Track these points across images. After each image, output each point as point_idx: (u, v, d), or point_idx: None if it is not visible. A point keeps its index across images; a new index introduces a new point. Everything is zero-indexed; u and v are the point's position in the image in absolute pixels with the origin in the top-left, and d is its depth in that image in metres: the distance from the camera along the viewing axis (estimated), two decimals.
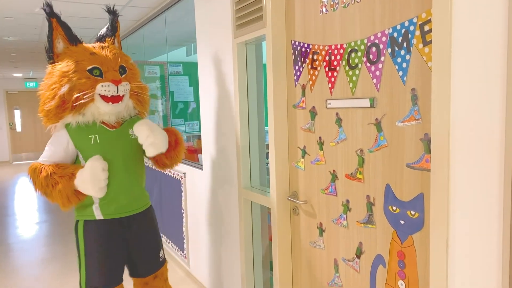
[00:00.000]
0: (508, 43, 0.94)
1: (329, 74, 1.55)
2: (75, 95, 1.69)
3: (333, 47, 1.52)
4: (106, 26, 1.99)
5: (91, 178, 1.69)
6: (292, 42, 1.74)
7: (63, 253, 3.93)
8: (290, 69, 1.77)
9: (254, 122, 2.14)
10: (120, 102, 1.77)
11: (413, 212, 1.26)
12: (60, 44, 1.81)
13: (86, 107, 1.73)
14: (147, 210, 1.97)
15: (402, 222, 1.30)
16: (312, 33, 1.62)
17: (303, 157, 1.75)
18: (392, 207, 1.33)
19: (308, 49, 1.65)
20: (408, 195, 1.27)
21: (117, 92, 1.75)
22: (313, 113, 1.66)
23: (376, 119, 1.35)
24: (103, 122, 1.80)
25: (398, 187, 1.30)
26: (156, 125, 1.85)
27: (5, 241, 4.40)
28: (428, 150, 1.18)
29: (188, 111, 4.53)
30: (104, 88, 1.72)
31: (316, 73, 1.61)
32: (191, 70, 4.31)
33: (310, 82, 1.65)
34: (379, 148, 1.36)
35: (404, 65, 1.24)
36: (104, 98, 1.74)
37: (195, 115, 4.43)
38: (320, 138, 1.63)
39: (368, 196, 1.42)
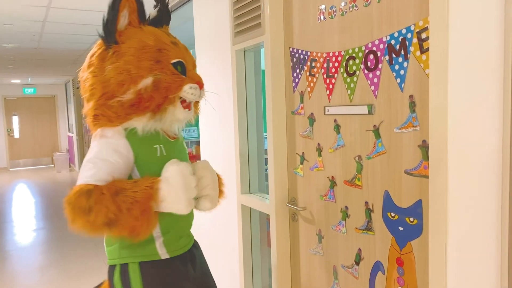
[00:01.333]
0: (505, 50, 0.95)
1: (327, 81, 1.55)
2: (166, 94, 1.23)
3: (331, 54, 1.53)
4: (157, 8, 1.39)
5: (184, 187, 1.19)
6: (291, 49, 1.75)
7: (60, 260, 3.91)
8: (288, 75, 1.78)
9: (252, 128, 2.15)
10: (191, 109, 1.34)
11: (411, 219, 1.26)
12: (125, 20, 1.26)
13: (166, 111, 1.26)
14: (196, 244, 1.49)
15: (400, 228, 1.30)
16: (310, 40, 1.63)
17: (301, 163, 1.75)
18: (391, 214, 1.33)
19: (306, 56, 1.66)
20: (407, 202, 1.27)
21: (199, 97, 1.34)
22: (312, 120, 1.66)
23: (374, 125, 1.36)
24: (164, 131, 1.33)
25: (396, 194, 1.30)
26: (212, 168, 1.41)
27: (2, 248, 4.37)
28: (426, 157, 1.19)
29: None
30: (192, 91, 1.28)
31: (315, 80, 1.62)
32: None
33: (309, 89, 1.66)
34: (378, 155, 1.36)
35: (402, 72, 1.24)
36: (183, 102, 1.29)
37: (194, 121, 4.43)
38: (318, 144, 1.64)
39: (366, 203, 1.42)
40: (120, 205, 1.11)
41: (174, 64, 1.26)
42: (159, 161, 1.25)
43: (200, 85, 1.31)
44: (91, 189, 1.12)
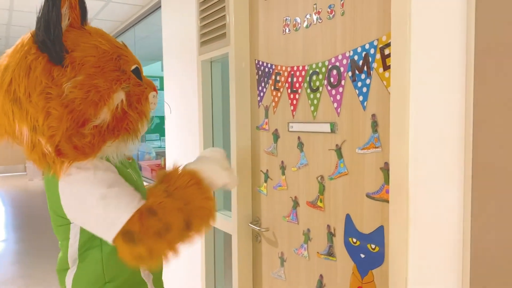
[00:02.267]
0: (467, 67, 0.89)
1: (291, 96, 1.48)
2: (139, 109, 1.03)
3: (295, 68, 1.45)
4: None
5: (221, 166, 1.08)
6: (256, 61, 1.67)
7: (29, 273, 3.71)
8: (254, 89, 1.70)
9: (219, 142, 2.05)
10: None
11: (373, 246, 1.18)
12: (65, 20, 0.96)
13: (139, 128, 1.06)
14: None
15: (362, 255, 1.21)
16: (276, 53, 1.56)
17: (265, 181, 1.66)
18: (352, 239, 1.25)
19: (271, 70, 1.58)
20: (369, 227, 1.19)
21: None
22: (276, 136, 1.58)
23: (337, 145, 1.28)
24: None
25: (358, 218, 1.22)
26: None
27: None
28: (388, 180, 1.11)
29: (164, 126, 4.41)
30: (155, 100, 1.11)
31: (279, 94, 1.54)
32: None
33: (273, 104, 1.58)
34: (340, 176, 1.28)
35: (365, 89, 1.17)
36: None
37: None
38: (282, 162, 1.55)
39: (328, 226, 1.34)
40: (184, 198, 0.95)
41: (133, 71, 1.05)
42: (136, 187, 1.03)
43: (156, 91, 1.13)
44: (148, 208, 0.91)
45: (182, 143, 2.37)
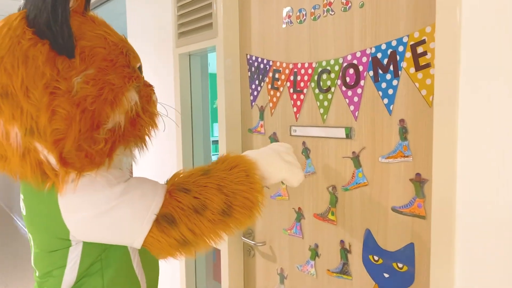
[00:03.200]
0: None
1: (294, 96, 1.32)
2: (151, 111, 0.89)
3: (299, 65, 1.30)
4: None
5: (282, 158, 0.92)
6: (248, 56, 1.49)
7: None
8: (245, 87, 1.52)
9: (199, 138, 1.85)
10: None
11: (400, 265, 1.07)
12: (70, 2, 0.78)
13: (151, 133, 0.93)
14: None
15: (386, 275, 1.10)
16: (273, 48, 1.39)
17: None
18: (373, 257, 1.13)
19: (268, 66, 1.41)
20: (395, 244, 1.07)
21: None
22: (274, 140, 1.42)
23: (354, 152, 1.15)
24: None
25: (381, 234, 1.11)
26: None
27: None
28: (420, 194, 1.00)
29: None
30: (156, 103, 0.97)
31: (278, 94, 1.38)
32: None
33: (271, 104, 1.42)
34: (357, 186, 1.15)
35: (391, 91, 1.05)
36: None
37: None
38: None
39: (342, 241, 1.21)
40: (226, 182, 0.80)
41: (139, 70, 0.89)
42: None
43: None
44: (178, 186, 0.80)
45: (155, 148, 2.13)
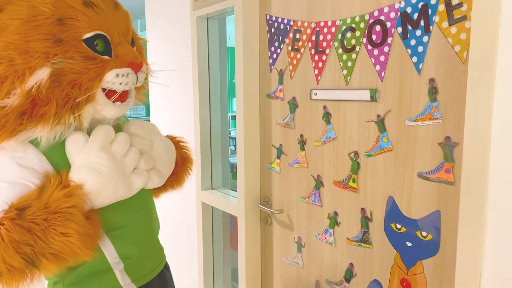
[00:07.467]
0: None
1: (316, 57, 1.25)
2: (72, 91, 0.81)
3: (322, 24, 1.22)
4: None
5: (115, 167, 0.86)
6: (268, 17, 1.42)
7: None
8: (264, 50, 1.46)
9: (216, 113, 1.81)
10: (128, 98, 0.93)
11: (424, 233, 1.01)
12: None
13: (82, 112, 0.85)
14: (166, 265, 1.13)
15: (408, 244, 1.05)
16: (294, 7, 1.31)
17: (278, 157, 1.46)
18: (395, 225, 1.08)
19: (288, 26, 1.34)
20: (419, 212, 1.02)
21: (136, 84, 0.91)
22: (293, 105, 1.36)
23: (378, 115, 1.09)
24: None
25: (405, 201, 1.05)
26: (158, 130, 1.05)
27: None
28: (449, 158, 0.94)
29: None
30: (120, 79, 0.86)
31: (299, 56, 1.31)
32: None
33: (290, 67, 1.35)
34: (381, 152, 1.10)
35: (420, 48, 0.97)
36: (110, 94, 0.87)
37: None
38: (301, 135, 1.34)
39: (363, 210, 1.16)
40: (30, 229, 0.74)
41: (89, 41, 0.82)
42: None
43: (135, 66, 0.88)
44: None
45: (170, 113, 2.10)
